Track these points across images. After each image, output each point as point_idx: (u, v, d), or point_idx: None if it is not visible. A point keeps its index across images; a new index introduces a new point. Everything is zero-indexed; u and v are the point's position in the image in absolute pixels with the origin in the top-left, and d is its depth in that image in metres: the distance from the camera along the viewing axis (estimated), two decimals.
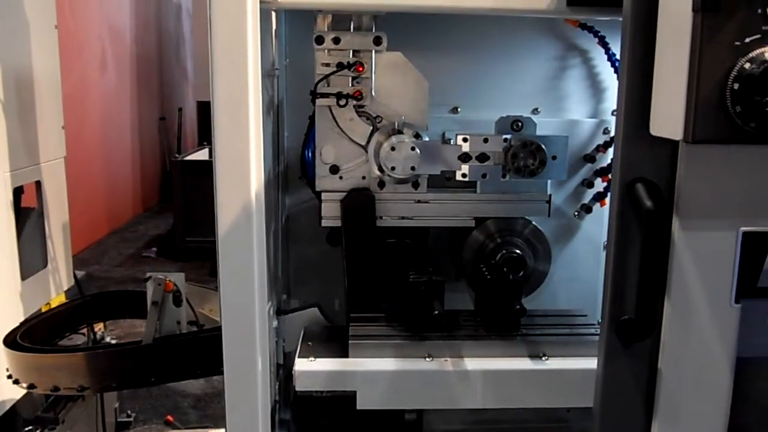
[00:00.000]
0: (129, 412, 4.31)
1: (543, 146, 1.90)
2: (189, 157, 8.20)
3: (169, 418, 4.30)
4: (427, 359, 1.84)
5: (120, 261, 7.85)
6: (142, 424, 4.33)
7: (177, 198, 7.63)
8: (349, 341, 1.86)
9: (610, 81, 2.22)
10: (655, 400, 1.33)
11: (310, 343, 1.94)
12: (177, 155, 8.85)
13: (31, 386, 2.12)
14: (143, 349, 2.02)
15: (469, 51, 2.21)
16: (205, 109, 11.79)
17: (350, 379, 1.80)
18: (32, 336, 2.36)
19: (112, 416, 4.16)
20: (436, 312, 1.82)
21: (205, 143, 9.75)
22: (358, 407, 1.79)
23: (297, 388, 1.80)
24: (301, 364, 1.82)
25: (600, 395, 1.37)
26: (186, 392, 4.66)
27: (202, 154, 8.45)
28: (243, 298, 1.45)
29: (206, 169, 8.41)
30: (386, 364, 1.83)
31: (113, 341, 4.01)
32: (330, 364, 1.83)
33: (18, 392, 3.07)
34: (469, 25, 2.19)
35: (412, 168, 1.86)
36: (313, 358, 1.84)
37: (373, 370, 1.81)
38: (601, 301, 1.35)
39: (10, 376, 2.21)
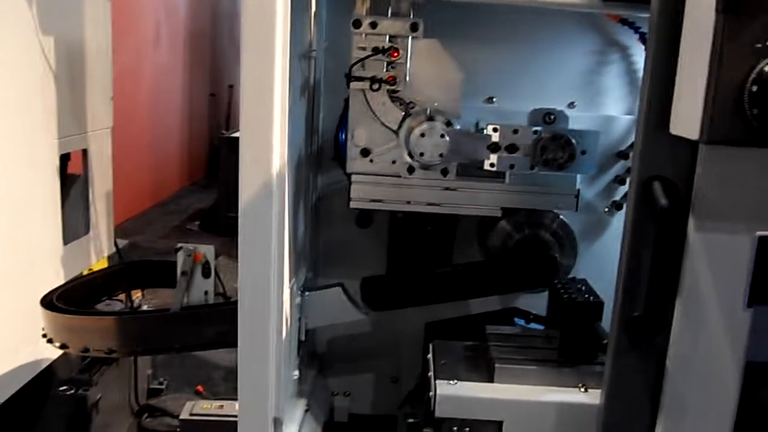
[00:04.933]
0: (161, 379, 4.41)
1: (573, 140, 1.89)
2: (236, 134, 8.30)
3: (200, 388, 4.39)
4: (581, 390, 1.71)
5: (163, 232, 8.00)
6: (174, 392, 4.42)
7: (222, 173, 7.74)
8: (496, 365, 1.74)
9: None
10: (661, 400, 1.33)
11: (443, 361, 1.81)
12: (224, 132, 8.96)
13: (63, 346, 2.20)
14: (169, 316, 2.07)
15: (507, 42, 2.21)
16: None
17: (497, 407, 1.69)
18: (69, 299, 2.43)
19: (145, 382, 4.27)
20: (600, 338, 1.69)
21: None
22: None
23: (437, 414, 1.69)
24: (443, 388, 1.70)
25: (606, 391, 1.38)
26: (218, 364, 4.74)
27: None
28: (259, 273, 1.48)
29: None
30: (536, 393, 1.70)
31: (147, 308, 4.11)
32: (475, 389, 1.71)
33: (54, 352, 3.17)
34: (509, 16, 2.19)
35: (441, 155, 1.88)
36: (455, 381, 1.72)
37: (524, 400, 1.68)
38: None
39: (45, 335, 2.29)
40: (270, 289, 1.48)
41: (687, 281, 1.25)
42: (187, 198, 9.64)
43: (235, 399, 4.20)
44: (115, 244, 3.94)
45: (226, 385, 4.61)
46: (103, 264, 3.65)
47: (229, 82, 11.24)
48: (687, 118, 1.14)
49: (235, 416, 3.87)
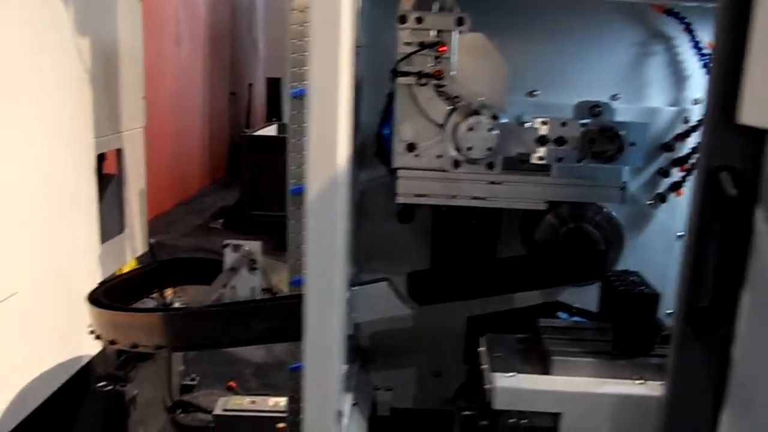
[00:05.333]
0: (193, 375, 4.45)
1: (621, 132, 1.89)
2: (258, 133, 8.32)
3: (232, 384, 4.42)
4: (639, 382, 1.72)
5: (187, 231, 8.04)
6: (205, 388, 4.46)
7: (245, 172, 7.77)
8: (552, 357, 1.75)
9: (694, 69, 2.19)
10: (726, 392, 1.32)
11: (498, 354, 1.82)
12: (246, 130, 8.99)
13: (112, 342, 2.22)
14: (216, 312, 2.09)
15: (549, 35, 2.20)
16: (274, 86, 11.94)
17: (556, 400, 1.70)
18: (112, 295, 2.46)
19: (178, 378, 4.31)
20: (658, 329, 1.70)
21: (274, 119, 9.88)
22: (562, 431, 1.69)
23: (496, 406, 1.70)
24: (501, 380, 1.71)
25: (670, 383, 1.37)
26: (249, 361, 4.78)
27: (270, 130, 8.57)
28: (326, 268, 1.49)
29: (274, 144, 8.49)
30: (594, 385, 1.71)
31: (180, 305, 4.15)
32: (532, 381, 1.72)
33: (94, 349, 3.22)
34: (549, 8, 2.18)
35: (489, 149, 1.88)
36: (512, 374, 1.73)
37: (582, 392, 1.69)
38: (672, 293, 1.34)
39: (92, 332, 2.31)
40: (336, 283, 1.49)
41: (754, 273, 1.24)
42: (209, 196, 9.69)
43: (267, 394, 4.24)
44: (149, 242, 3.98)
45: (256, 381, 4.65)
46: (133, 264, 3.69)
47: (248, 81, 11.29)
48: (757, 107, 1.13)
49: (268, 411, 3.92)
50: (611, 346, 1.77)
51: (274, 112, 10.93)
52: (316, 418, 1.57)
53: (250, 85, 11.05)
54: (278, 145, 7.83)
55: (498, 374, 1.72)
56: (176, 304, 4.12)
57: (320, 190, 1.44)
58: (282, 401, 3.93)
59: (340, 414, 1.60)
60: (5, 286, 2.46)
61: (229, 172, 10.93)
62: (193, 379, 4.44)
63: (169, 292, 3.86)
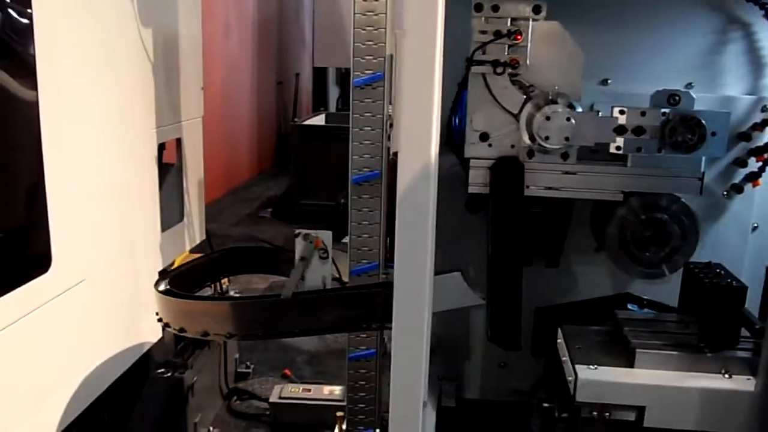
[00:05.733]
0: (248, 363, 4.50)
1: (703, 121, 1.84)
2: (309, 122, 8.36)
3: (287, 372, 4.46)
4: (725, 376, 1.70)
5: (237, 220, 8.13)
6: (259, 376, 4.50)
7: (294, 161, 7.80)
8: (637, 350, 1.73)
9: None
10: None
11: (578, 346, 1.81)
12: (296, 120, 9.03)
13: (181, 330, 2.25)
14: (287, 301, 2.10)
15: (622, 23, 2.16)
16: (320, 75, 11.97)
17: (639, 393, 1.68)
18: (177, 284, 2.49)
19: (233, 366, 4.37)
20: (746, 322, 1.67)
21: (321, 108, 9.91)
22: (645, 424, 1.68)
23: (578, 399, 1.69)
24: (584, 372, 1.69)
25: (763, 378, 1.34)
26: (301, 349, 4.81)
27: (318, 120, 8.60)
28: (418, 258, 1.49)
29: (323, 134, 8.52)
30: (678, 378, 1.69)
31: (236, 294, 4.20)
32: (615, 374, 1.70)
33: (155, 336, 3.27)
34: None
35: (566, 138, 1.85)
36: (595, 366, 1.72)
37: (667, 386, 1.67)
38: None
39: (160, 320, 2.35)
40: (426, 275, 1.49)
41: None
42: (258, 186, 9.78)
43: (322, 383, 4.27)
44: (207, 231, 4.03)
45: (309, 368, 4.68)
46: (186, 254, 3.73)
47: (295, 70, 11.33)
48: None
49: (324, 399, 3.95)
50: (697, 339, 1.73)
51: (321, 102, 10.98)
52: (403, 409, 1.57)
53: (297, 74, 11.10)
54: (327, 134, 7.90)
55: (581, 366, 1.70)
56: (231, 293, 4.17)
57: (412, 183, 1.44)
58: (337, 390, 3.96)
59: (424, 404, 1.60)
60: (74, 272, 2.51)
61: (276, 162, 11.01)
62: (247, 367, 4.49)
63: (223, 282, 3.91)
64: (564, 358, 1.76)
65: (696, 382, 1.66)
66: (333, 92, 12.19)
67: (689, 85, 2.16)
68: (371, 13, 2.81)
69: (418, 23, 1.39)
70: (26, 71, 2.20)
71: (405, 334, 1.55)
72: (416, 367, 1.55)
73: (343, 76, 12.39)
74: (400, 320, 1.54)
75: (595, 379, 1.68)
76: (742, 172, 2.18)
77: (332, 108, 11.50)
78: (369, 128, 2.80)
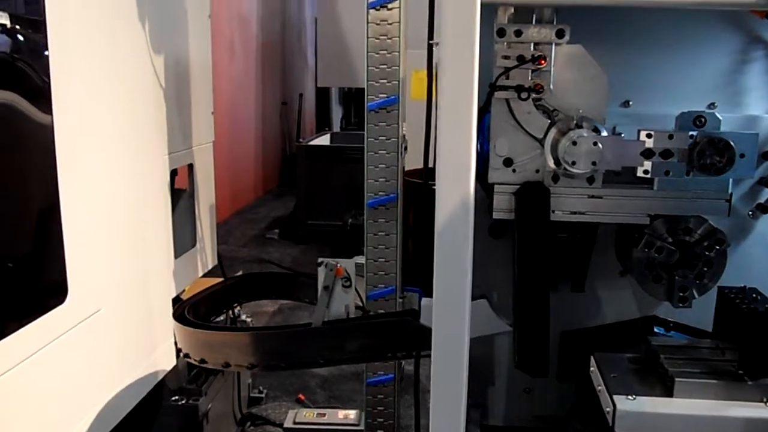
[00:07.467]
0: (261, 388, 4.47)
1: (732, 143, 1.82)
2: (314, 142, 8.37)
3: (301, 396, 4.42)
4: (767, 404, 1.66)
5: (244, 241, 8.11)
6: (272, 401, 4.46)
7: (300, 182, 7.80)
8: (676, 379, 1.69)
9: None
10: None
11: (614, 375, 1.78)
12: (301, 140, 9.04)
13: (202, 361, 2.23)
14: (312, 331, 2.08)
15: (643, 44, 2.14)
16: (323, 95, 12.00)
17: (681, 423, 1.65)
18: (195, 313, 2.46)
19: (246, 391, 4.32)
20: None
21: (326, 128, 9.92)
22: None
23: (617, 430, 1.65)
24: (622, 403, 1.66)
25: None
26: (314, 373, 4.77)
27: (323, 140, 8.60)
28: (457, 284, 1.46)
29: (329, 154, 8.51)
30: (719, 407, 1.65)
31: (248, 319, 4.17)
32: (654, 404, 1.67)
33: (168, 364, 3.23)
34: (644, 16, 2.12)
35: (593, 163, 1.83)
36: (633, 396, 1.68)
37: (707, 415, 1.64)
38: None
39: (179, 350, 2.32)
40: (466, 301, 1.47)
41: None
42: (264, 206, 9.78)
43: (337, 407, 4.22)
44: (219, 256, 4.00)
45: (323, 393, 4.64)
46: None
47: (298, 91, 11.36)
48: None
49: (337, 425, 3.91)
50: (735, 367, 1.70)
51: (324, 122, 11.00)
52: None
53: (300, 95, 11.12)
54: (333, 154, 7.90)
55: (619, 397, 1.66)
56: (244, 317, 4.14)
57: (451, 214, 1.42)
58: (352, 414, 3.91)
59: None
60: (90, 302, 2.49)
61: (281, 182, 11.02)
62: (260, 392, 4.45)
63: (236, 307, 3.88)
64: (599, 388, 1.73)
65: (738, 411, 1.62)
66: (336, 112, 12.22)
67: (712, 105, 2.14)
68: (384, 37, 2.81)
69: (457, 53, 1.38)
70: (42, 99, 2.18)
71: (446, 366, 1.52)
72: (456, 396, 1.53)
73: (346, 95, 12.44)
74: (441, 352, 1.52)
75: (634, 410, 1.65)
76: (767, 192, 2.16)
77: (336, 128, 11.53)
78: (384, 152, 2.78)
